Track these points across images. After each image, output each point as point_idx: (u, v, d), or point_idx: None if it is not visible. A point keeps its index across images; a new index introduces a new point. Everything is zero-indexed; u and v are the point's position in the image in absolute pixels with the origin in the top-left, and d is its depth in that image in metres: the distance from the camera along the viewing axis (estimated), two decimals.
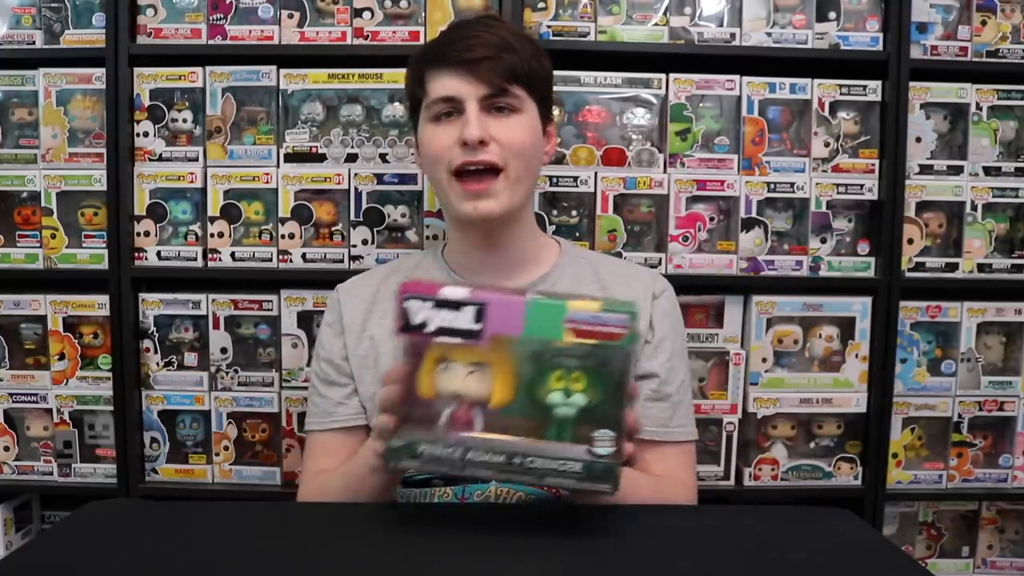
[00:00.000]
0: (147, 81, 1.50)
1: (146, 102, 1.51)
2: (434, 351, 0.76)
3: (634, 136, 1.53)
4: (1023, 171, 1.56)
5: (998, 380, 1.57)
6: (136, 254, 1.52)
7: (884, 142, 1.52)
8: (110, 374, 1.52)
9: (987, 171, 1.56)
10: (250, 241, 1.53)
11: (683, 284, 1.47)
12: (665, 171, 1.52)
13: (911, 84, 1.51)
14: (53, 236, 1.52)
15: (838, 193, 1.53)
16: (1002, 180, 1.56)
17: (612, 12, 1.52)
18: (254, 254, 1.52)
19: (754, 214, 1.52)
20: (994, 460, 1.59)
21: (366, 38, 1.50)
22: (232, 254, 1.52)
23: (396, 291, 0.75)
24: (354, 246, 1.51)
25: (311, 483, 1.12)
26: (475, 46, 1.04)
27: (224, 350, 1.53)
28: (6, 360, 1.55)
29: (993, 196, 1.55)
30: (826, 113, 1.53)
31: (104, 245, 1.52)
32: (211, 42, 1.50)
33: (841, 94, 1.52)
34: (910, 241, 1.55)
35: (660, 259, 1.51)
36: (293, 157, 1.51)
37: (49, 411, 1.54)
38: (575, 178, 1.50)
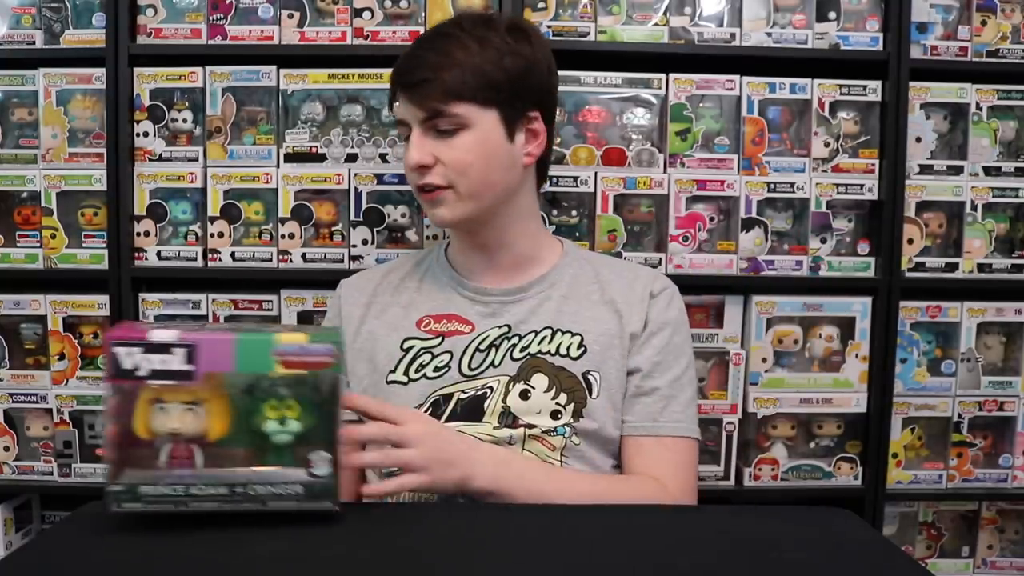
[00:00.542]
0: (147, 81, 1.50)
1: (146, 102, 1.51)
2: (147, 392, 0.77)
3: (634, 136, 1.53)
4: (1023, 171, 1.56)
5: (998, 380, 1.57)
6: (136, 254, 1.52)
7: (884, 142, 1.52)
8: None
9: (987, 171, 1.56)
10: (250, 241, 1.53)
11: (683, 284, 1.46)
12: (665, 171, 1.52)
13: (911, 84, 1.51)
14: (53, 236, 1.52)
15: (838, 193, 1.53)
16: (1002, 180, 1.55)
17: (612, 12, 1.52)
18: (254, 254, 1.52)
19: (754, 214, 1.52)
20: (994, 460, 1.59)
21: (366, 38, 1.50)
22: (232, 254, 1.52)
23: (107, 340, 0.75)
24: (354, 246, 1.51)
25: None
26: (414, 68, 1.05)
27: None
28: (6, 360, 1.55)
29: (993, 196, 1.55)
30: (826, 113, 1.53)
31: (104, 245, 1.52)
32: (211, 42, 1.50)
33: (841, 94, 1.52)
34: (910, 241, 1.55)
35: (660, 259, 1.51)
36: (293, 157, 1.51)
37: (49, 411, 1.54)
38: (575, 178, 1.50)
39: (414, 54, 1.08)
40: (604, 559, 0.74)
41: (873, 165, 1.53)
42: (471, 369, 1.09)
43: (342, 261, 1.51)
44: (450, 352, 1.10)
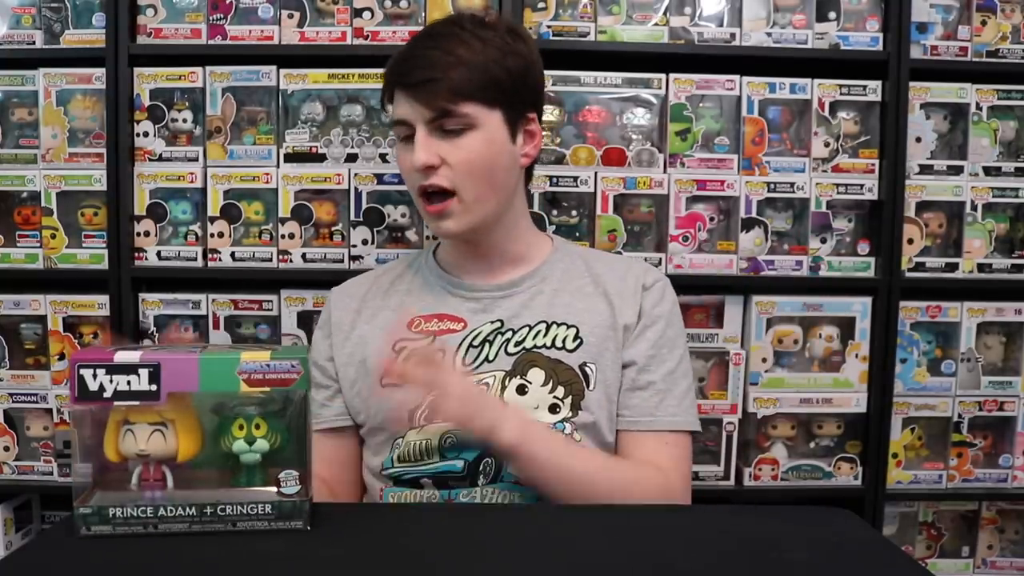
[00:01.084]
0: (147, 81, 1.50)
1: (146, 102, 1.51)
2: (115, 415, 0.78)
3: (634, 136, 1.53)
4: (1023, 171, 1.56)
5: (998, 380, 1.57)
6: (136, 254, 1.52)
7: (884, 142, 1.52)
8: None
9: (987, 171, 1.56)
10: (250, 241, 1.53)
11: (683, 284, 1.47)
12: (665, 171, 1.52)
13: (911, 84, 1.51)
14: (53, 236, 1.52)
15: (838, 193, 1.53)
16: (1002, 180, 1.55)
17: (612, 12, 1.52)
18: (254, 254, 1.52)
19: (754, 214, 1.52)
20: (994, 460, 1.59)
21: (366, 38, 1.50)
22: (232, 254, 1.52)
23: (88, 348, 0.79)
24: (354, 246, 1.51)
25: None
26: (418, 67, 1.03)
27: None
28: (6, 360, 1.55)
29: (993, 196, 1.55)
30: (826, 113, 1.53)
31: (104, 245, 1.52)
32: (211, 42, 1.50)
33: (841, 94, 1.52)
34: (910, 241, 1.55)
35: (660, 259, 1.51)
36: (293, 157, 1.51)
37: (49, 411, 1.54)
38: (575, 178, 1.50)
39: (415, 53, 1.06)
40: (604, 559, 0.74)
41: (873, 165, 1.53)
42: (465, 365, 1.09)
43: (342, 261, 1.51)
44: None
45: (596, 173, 1.50)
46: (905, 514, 1.63)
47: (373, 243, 1.52)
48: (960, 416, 1.57)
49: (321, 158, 1.51)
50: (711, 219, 1.54)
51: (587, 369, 1.08)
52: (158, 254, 1.52)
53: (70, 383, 0.76)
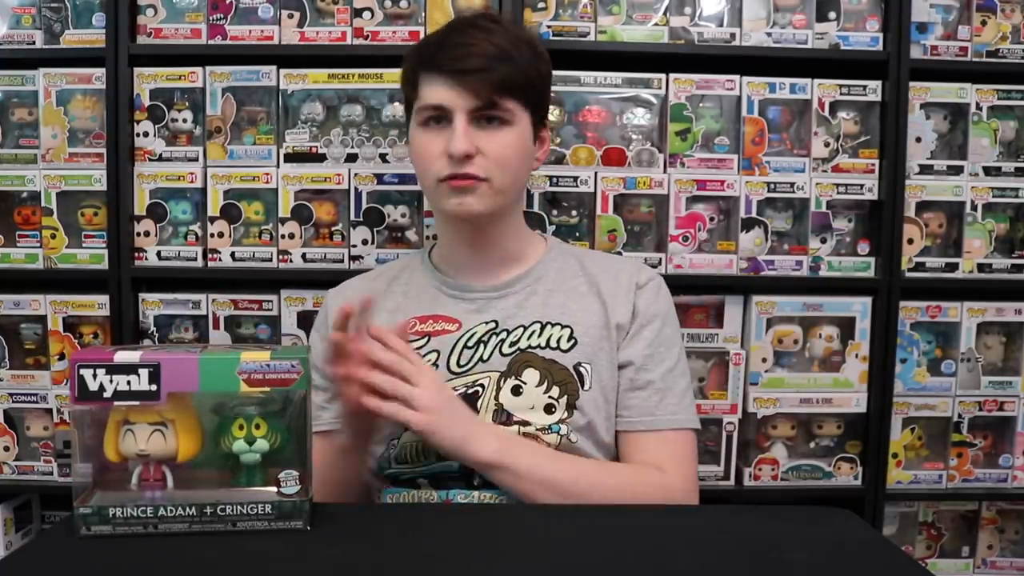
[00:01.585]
0: (147, 81, 1.50)
1: (146, 102, 1.51)
2: (115, 415, 0.78)
3: (634, 136, 1.53)
4: (1023, 171, 1.56)
5: (998, 380, 1.57)
6: (136, 254, 1.52)
7: (884, 142, 1.52)
8: None
9: (987, 171, 1.56)
10: (250, 241, 1.53)
11: (683, 284, 1.48)
12: (665, 171, 1.52)
13: (911, 84, 1.51)
14: (53, 236, 1.52)
15: (838, 193, 1.53)
16: (1002, 180, 1.56)
17: (612, 12, 1.52)
18: (254, 254, 1.52)
19: (754, 214, 1.52)
20: (994, 460, 1.59)
21: (366, 38, 1.50)
22: (232, 254, 1.52)
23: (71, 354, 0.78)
24: (354, 246, 1.51)
25: None
26: (469, 55, 1.02)
27: None
28: (6, 360, 1.55)
29: (993, 196, 1.55)
30: (826, 113, 1.53)
31: (104, 245, 1.52)
32: (211, 42, 1.50)
33: (841, 94, 1.52)
34: (910, 241, 1.55)
35: (660, 259, 1.51)
36: (293, 157, 1.51)
37: (49, 411, 1.54)
38: (575, 178, 1.50)
39: (457, 40, 1.05)
40: (604, 559, 0.74)
41: (873, 165, 1.53)
42: (460, 366, 1.09)
43: (342, 261, 1.51)
44: (437, 351, 1.10)
45: (596, 173, 1.50)
46: (905, 514, 1.63)
47: (373, 243, 1.52)
48: (960, 416, 1.57)
49: (321, 158, 1.51)
50: (711, 219, 1.54)
51: (582, 369, 1.08)
52: (158, 254, 1.52)
53: (70, 383, 0.76)
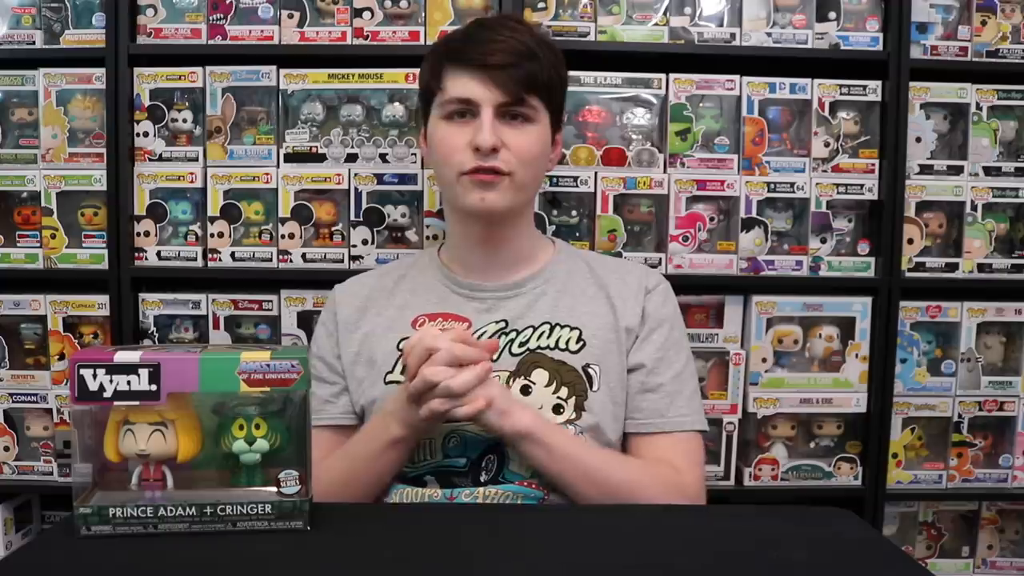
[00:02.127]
0: (147, 81, 1.50)
1: (146, 102, 1.51)
2: (115, 415, 0.78)
3: (634, 136, 1.53)
4: (1023, 171, 1.56)
5: (998, 380, 1.57)
6: (136, 254, 1.52)
7: (884, 142, 1.52)
8: None
9: (987, 171, 1.56)
10: (250, 241, 1.53)
11: (683, 284, 1.48)
12: (665, 171, 1.52)
13: (911, 84, 1.51)
14: (53, 236, 1.52)
15: (838, 193, 1.53)
16: (1002, 180, 1.55)
17: (612, 12, 1.52)
18: (254, 254, 1.52)
19: (754, 214, 1.52)
20: (994, 460, 1.59)
21: (366, 38, 1.50)
22: (232, 254, 1.52)
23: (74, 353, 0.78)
24: (354, 246, 1.51)
25: None
26: (499, 51, 1.04)
27: None
28: (6, 360, 1.55)
29: (993, 196, 1.55)
30: (826, 113, 1.53)
31: (104, 245, 1.52)
32: (211, 42, 1.50)
33: (841, 94, 1.52)
34: (910, 241, 1.55)
35: (660, 259, 1.51)
36: (293, 157, 1.51)
37: (49, 411, 1.54)
38: (575, 178, 1.50)
39: (487, 37, 1.06)
40: (604, 559, 0.74)
41: (873, 165, 1.53)
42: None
43: (342, 261, 1.51)
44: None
45: (596, 173, 1.50)
46: (905, 514, 1.63)
47: (373, 243, 1.52)
48: (960, 416, 1.57)
49: (321, 158, 1.51)
50: (711, 219, 1.54)
51: (590, 371, 1.08)
52: (158, 254, 1.52)
53: (70, 383, 0.76)
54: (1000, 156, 1.57)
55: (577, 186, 1.50)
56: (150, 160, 1.51)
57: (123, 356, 0.76)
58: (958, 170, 1.55)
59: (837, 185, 1.53)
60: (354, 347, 1.14)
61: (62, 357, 1.53)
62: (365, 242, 1.51)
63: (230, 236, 1.52)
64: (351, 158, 1.51)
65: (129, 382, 0.75)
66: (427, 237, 1.52)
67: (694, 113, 1.52)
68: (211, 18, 1.50)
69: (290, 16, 1.50)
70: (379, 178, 1.51)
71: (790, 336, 1.55)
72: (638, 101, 1.53)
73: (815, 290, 1.54)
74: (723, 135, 1.53)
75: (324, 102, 1.53)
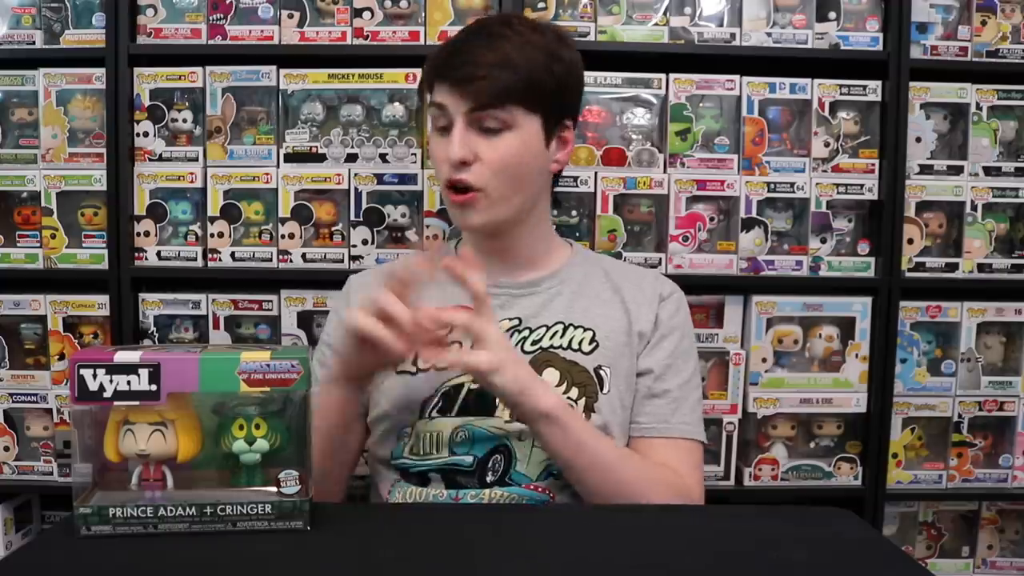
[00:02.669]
0: (147, 81, 1.50)
1: (146, 102, 1.51)
2: (115, 415, 0.78)
3: (634, 136, 1.53)
4: (1023, 171, 1.56)
5: (998, 380, 1.57)
6: (136, 254, 1.52)
7: (884, 142, 1.52)
8: None
9: (987, 171, 1.56)
10: (250, 241, 1.53)
11: (683, 284, 1.46)
12: (665, 171, 1.52)
13: (911, 84, 1.51)
14: (53, 236, 1.52)
15: (838, 193, 1.53)
16: (1002, 180, 1.55)
17: (612, 12, 1.52)
18: (254, 254, 1.52)
19: (754, 214, 1.52)
20: (994, 460, 1.59)
21: (366, 38, 1.50)
22: (232, 254, 1.52)
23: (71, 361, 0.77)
24: (354, 246, 1.51)
25: None
26: (469, 63, 1.03)
27: None
28: (6, 360, 1.55)
29: (993, 196, 1.55)
30: (826, 113, 1.53)
31: (104, 245, 1.52)
32: (211, 42, 1.50)
33: (841, 94, 1.52)
34: (910, 241, 1.55)
35: (660, 259, 1.51)
36: (293, 157, 1.51)
37: (49, 411, 1.54)
38: (575, 178, 1.50)
39: (464, 48, 1.06)
40: (604, 559, 0.74)
41: (873, 165, 1.53)
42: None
43: (342, 261, 1.51)
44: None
45: (596, 173, 1.50)
46: (905, 514, 1.63)
47: (373, 243, 1.52)
48: (960, 416, 1.57)
49: (321, 158, 1.51)
50: (711, 219, 1.54)
51: (602, 372, 1.08)
52: (158, 254, 1.52)
53: (70, 383, 0.76)
54: (1000, 156, 1.57)
55: (577, 186, 1.50)
56: (150, 160, 1.51)
57: (123, 356, 0.76)
58: (958, 170, 1.55)
59: (837, 185, 1.53)
60: None
61: (62, 357, 1.53)
62: (365, 242, 1.51)
63: (230, 236, 1.52)
64: (351, 158, 1.51)
65: (129, 382, 0.75)
66: (427, 237, 1.52)
67: (694, 113, 1.52)
68: (211, 18, 1.50)
69: (290, 16, 1.50)
70: (379, 178, 1.51)
71: (790, 336, 1.55)
72: (638, 101, 1.53)
73: (815, 290, 1.54)
74: (723, 135, 1.53)
75: (324, 102, 1.53)
